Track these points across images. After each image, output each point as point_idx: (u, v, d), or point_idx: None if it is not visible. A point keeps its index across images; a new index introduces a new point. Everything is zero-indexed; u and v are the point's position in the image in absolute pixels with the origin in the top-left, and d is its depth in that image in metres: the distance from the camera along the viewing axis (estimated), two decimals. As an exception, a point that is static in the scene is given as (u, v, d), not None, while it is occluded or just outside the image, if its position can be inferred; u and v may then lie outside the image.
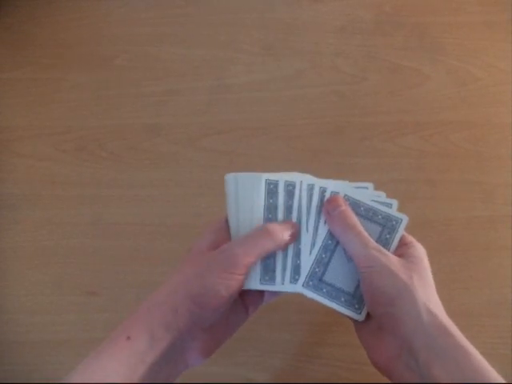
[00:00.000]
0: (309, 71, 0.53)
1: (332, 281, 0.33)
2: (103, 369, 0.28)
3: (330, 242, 0.33)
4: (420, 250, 0.33)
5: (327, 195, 0.33)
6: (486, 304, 0.47)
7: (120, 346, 0.28)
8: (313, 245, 0.33)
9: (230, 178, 0.34)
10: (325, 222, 0.33)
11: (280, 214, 0.33)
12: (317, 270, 0.33)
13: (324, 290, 0.33)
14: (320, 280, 0.33)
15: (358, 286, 0.33)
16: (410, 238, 0.34)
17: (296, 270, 0.33)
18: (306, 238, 0.33)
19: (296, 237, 0.33)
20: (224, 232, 0.34)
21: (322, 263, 0.33)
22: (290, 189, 0.33)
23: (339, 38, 0.53)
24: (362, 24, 0.53)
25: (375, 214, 0.33)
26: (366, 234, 0.32)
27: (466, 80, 0.52)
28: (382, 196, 0.34)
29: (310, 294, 0.33)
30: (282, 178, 0.33)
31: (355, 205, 0.33)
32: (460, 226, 0.49)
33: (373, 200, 0.34)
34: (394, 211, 0.33)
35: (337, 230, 0.32)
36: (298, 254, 0.33)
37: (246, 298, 0.35)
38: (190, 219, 0.50)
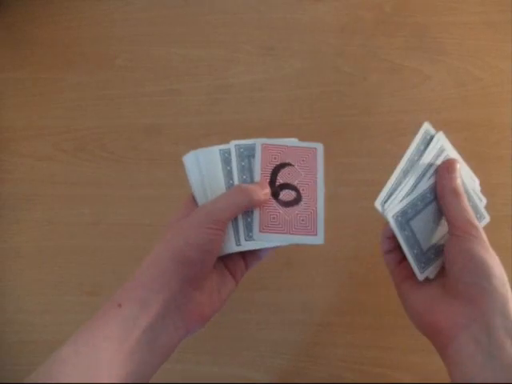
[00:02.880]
0: (309, 71, 0.53)
1: (415, 229, 0.34)
2: (95, 337, 0.27)
3: (428, 195, 0.34)
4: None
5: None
6: (486, 304, 0.47)
7: (111, 314, 0.28)
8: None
9: (190, 156, 0.37)
10: (429, 178, 0.35)
11: (236, 179, 0.35)
12: (409, 210, 0.34)
13: (406, 233, 0.34)
14: (407, 222, 0.34)
15: (431, 248, 0.34)
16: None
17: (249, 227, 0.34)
18: None
19: (268, 196, 0.35)
20: (195, 205, 0.36)
21: (415, 208, 0.34)
22: (242, 151, 0.36)
23: (339, 37, 0.53)
24: (362, 24, 0.53)
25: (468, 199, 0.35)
26: (466, 202, 0.33)
27: (466, 80, 0.52)
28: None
29: (394, 228, 0.33)
30: (232, 144, 0.36)
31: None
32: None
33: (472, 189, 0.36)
34: (482, 207, 0.36)
35: (447, 190, 0.33)
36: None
37: (229, 266, 0.35)
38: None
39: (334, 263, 0.49)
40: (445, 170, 0.34)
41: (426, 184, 0.34)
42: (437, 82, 0.52)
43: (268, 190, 0.35)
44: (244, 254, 0.36)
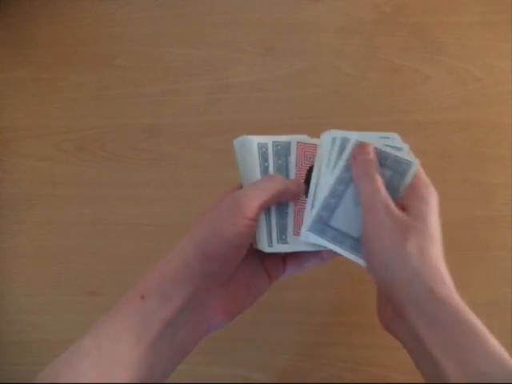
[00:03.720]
0: (309, 71, 0.53)
1: (338, 225, 0.32)
2: (116, 329, 0.27)
3: (338, 187, 0.33)
4: (427, 203, 0.30)
5: (348, 144, 0.33)
6: (486, 304, 0.47)
7: (133, 306, 0.28)
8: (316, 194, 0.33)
9: (237, 142, 0.35)
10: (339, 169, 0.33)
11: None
12: (323, 214, 0.33)
13: (329, 234, 0.32)
14: (326, 224, 0.32)
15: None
16: (422, 189, 0.31)
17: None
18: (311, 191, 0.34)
19: (300, 195, 0.33)
20: None
21: (329, 208, 0.33)
22: (279, 149, 0.34)
23: (339, 38, 0.53)
24: (362, 24, 0.53)
25: (385, 158, 0.33)
26: (381, 184, 0.30)
27: (466, 80, 0.52)
28: (395, 139, 0.34)
29: (314, 238, 0.32)
30: (270, 139, 0.34)
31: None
32: (460, 226, 0.49)
33: (385, 145, 0.33)
34: (404, 155, 0.33)
35: (356, 174, 0.32)
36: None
37: (266, 264, 0.34)
38: (190, 219, 0.50)
39: (334, 263, 0.49)
40: (352, 157, 0.32)
41: (332, 179, 0.33)
42: (437, 82, 0.52)
43: (302, 185, 0.33)
44: (285, 256, 0.35)
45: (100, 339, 0.27)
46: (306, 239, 0.33)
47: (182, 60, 0.54)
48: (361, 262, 0.32)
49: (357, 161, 0.32)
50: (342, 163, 0.33)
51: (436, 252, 0.28)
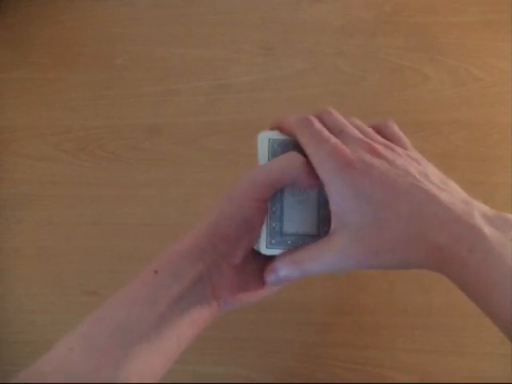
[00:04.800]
0: (309, 71, 0.53)
1: (293, 230, 0.32)
2: (129, 300, 0.28)
3: (274, 195, 0.32)
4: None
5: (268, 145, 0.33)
6: (486, 304, 0.47)
7: (147, 280, 0.29)
8: None
9: (260, 136, 0.34)
10: None
11: None
12: (274, 225, 0.32)
13: (289, 242, 0.32)
14: (281, 233, 0.32)
15: (318, 225, 0.32)
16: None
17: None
18: None
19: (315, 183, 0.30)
20: None
21: (275, 217, 0.32)
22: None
23: (339, 38, 0.53)
24: (362, 24, 0.53)
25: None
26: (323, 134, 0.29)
27: (465, 80, 0.52)
28: None
29: (278, 252, 0.31)
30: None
31: (284, 144, 0.33)
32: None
33: None
34: None
35: (303, 140, 0.30)
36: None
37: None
38: (190, 219, 0.50)
39: (333, 263, 0.49)
40: (295, 128, 0.31)
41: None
42: (437, 82, 0.52)
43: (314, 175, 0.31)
44: None
45: (113, 307, 0.28)
46: (269, 254, 0.32)
47: (182, 60, 0.55)
48: None
49: (299, 129, 0.30)
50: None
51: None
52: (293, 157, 0.30)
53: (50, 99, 0.55)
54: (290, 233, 0.32)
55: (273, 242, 0.32)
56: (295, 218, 0.32)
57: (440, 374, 0.47)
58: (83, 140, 0.54)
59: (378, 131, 0.32)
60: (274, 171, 0.30)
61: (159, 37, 0.55)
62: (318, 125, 0.30)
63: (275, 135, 0.34)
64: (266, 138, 0.33)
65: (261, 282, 0.32)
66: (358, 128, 0.31)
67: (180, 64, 0.54)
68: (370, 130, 0.32)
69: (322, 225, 0.32)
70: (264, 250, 0.32)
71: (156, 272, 0.29)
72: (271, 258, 0.32)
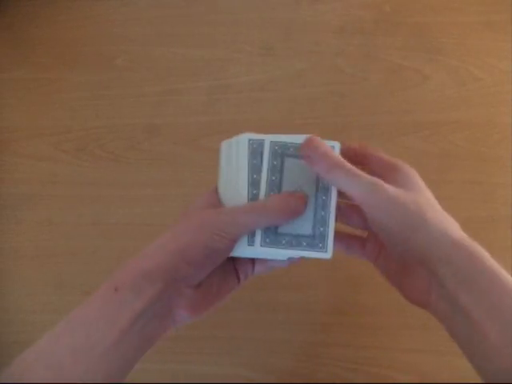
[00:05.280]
0: (309, 71, 0.53)
1: (288, 230, 0.32)
2: (89, 317, 0.28)
3: (271, 192, 0.32)
4: (411, 172, 0.31)
5: (266, 148, 0.33)
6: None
7: (107, 297, 0.29)
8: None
9: (224, 144, 0.35)
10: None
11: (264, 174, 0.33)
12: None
13: (283, 242, 0.32)
14: (276, 233, 0.32)
15: (314, 226, 0.32)
16: (393, 161, 0.32)
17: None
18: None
19: (299, 213, 0.31)
20: (217, 197, 0.35)
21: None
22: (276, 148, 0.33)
23: (339, 38, 0.53)
24: (362, 24, 0.53)
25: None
26: (355, 169, 0.29)
27: (465, 80, 0.52)
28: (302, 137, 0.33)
29: (272, 251, 0.32)
30: (267, 137, 0.33)
31: (284, 147, 0.33)
32: (460, 226, 0.49)
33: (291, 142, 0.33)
34: (324, 141, 0.32)
35: (323, 172, 0.30)
36: None
37: (236, 265, 0.35)
38: (190, 219, 0.50)
39: (334, 263, 0.49)
40: (306, 157, 0.31)
41: (263, 185, 0.32)
42: (437, 82, 0.52)
43: (301, 203, 0.32)
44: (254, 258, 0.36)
45: (73, 326, 0.28)
46: (266, 254, 0.33)
47: (182, 60, 0.55)
48: (325, 256, 0.32)
49: (314, 159, 0.30)
50: (266, 166, 0.32)
51: (438, 205, 0.30)
52: (264, 209, 0.31)
53: (50, 99, 0.55)
54: (285, 233, 0.32)
55: (267, 240, 0.32)
56: (304, 220, 0.32)
57: (439, 374, 0.47)
58: (83, 140, 0.54)
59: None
60: (249, 228, 0.31)
61: (159, 37, 0.55)
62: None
63: (253, 136, 0.34)
64: (245, 139, 0.33)
65: (219, 291, 0.33)
66: None
67: (180, 64, 0.54)
68: None
69: (318, 226, 0.32)
70: (258, 247, 0.32)
71: (116, 289, 0.29)
72: (230, 269, 0.34)
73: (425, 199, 0.29)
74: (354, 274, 0.49)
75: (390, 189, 0.29)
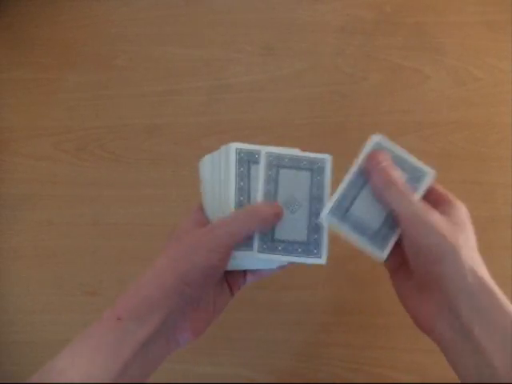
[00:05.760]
0: (309, 71, 0.53)
1: (359, 214, 0.33)
2: (92, 349, 0.28)
3: (359, 179, 0.33)
4: (463, 210, 0.32)
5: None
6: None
7: (109, 327, 0.29)
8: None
9: (206, 158, 0.36)
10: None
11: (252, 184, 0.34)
12: (343, 202, 0.33)
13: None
14: (346, 212, 0.33)
15: (384, 223, 0.33)
16: (450, 196, 0.33)
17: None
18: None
19: (280, 217, 0.33)
20: (204, 215, 0.35)
21: (349, 197, 0.33)
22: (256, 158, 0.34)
23: (339, 37, 0.53)
24: (362, 24, 0.53)
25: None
26: (409, 189, 0.31)
27: (465, 80, 0.52)
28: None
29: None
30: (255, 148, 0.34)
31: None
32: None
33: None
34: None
35: (379, 185, 0.32)
36: None
37: (228, 279, 0.35)
38: (190, 219, 0.50)
39: (334, 263, 0.49)
40: (368, 170, 0.33)
41: (351, 172, 0.34)
42: (437, 82, 0.52)
43: (279, 211, 0.33)
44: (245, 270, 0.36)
45: (75, 359, 0.27)
46: (261, 261, 0.34)
47: (182, 60, 0.55)
48: (379, 255, 0.32)
49: (373, 172, 0.32)
50: (262, 177, 0.33)
51: (476, 246, 0.31)
52: (250, 214, 0.32)
53: (50, 99, 0.55)
54: (281, 239, 0.33)
55: (264, 247, 0.33)
56: (287, 226, 0.33)
57: (440, 374, 0.47)
58: (83, 140, 0.54)
59: None
60: (240, 235, 0.31)
61: (159, 37, 0.55)
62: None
63: (241, 145, 0.34)
64: (232, 148, 0.34)
65: (215, 307, 0.34)
66: None
67: (180, 64, 0.54)
68: None
69: (313, 233, 0.34)
70: (256, 253, 0.33)
71: (119, 319, 0.29)
72: (222, 283, 0.34)
73: (464, 235, 0.30)
74: (354, 274, 0.49)
75: (436, 215, 0.30)
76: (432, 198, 0.34)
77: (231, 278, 0.35)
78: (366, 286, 0.49)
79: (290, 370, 0.48)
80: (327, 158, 0.35)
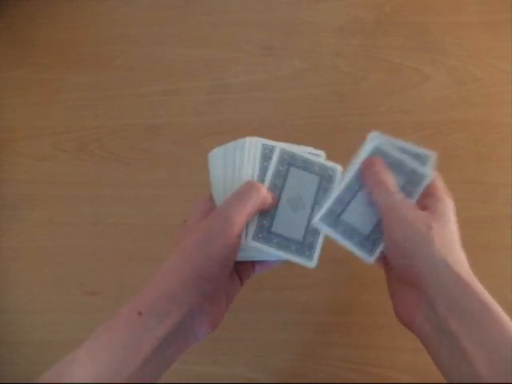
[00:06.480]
0: (309, 71, 0.53)
1: (350, 220, 0.34)
2: (113, 344, 0.28)
3: (353, 184, 0.34)
4: (449, 206, 0.33)
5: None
6: (486, 304, 0.47)
7: (130, 322, 0.29)
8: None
9: (217, 151, 0.35)
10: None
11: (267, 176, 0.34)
12: (336, 207, 0.34)
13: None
14: (338, 217, 0.34)
15: (374, 229, 0.34)
16: (440, 192, 0.34)
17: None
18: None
19: (273, 202, 0.33)
20: (213, 204, 0.35)
21: (342, 202, 0.34)
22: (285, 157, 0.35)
23: (339, 38, 0.53)
24: (362, 24, 0.53)
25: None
26: (394, 186, 0.32)
27: (466, 80, 0.52)
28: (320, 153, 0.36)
29: (325, 229, 0.34)
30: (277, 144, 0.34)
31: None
32: (460, 226, 0.48)
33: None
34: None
35: (369, 185, 0.33)
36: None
37: (238, 269, 0.36)
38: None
39: (333, 263, 0.49)
40: (364, 169, 0.34)
41: (348, 176, 0.35)
42: (437, 82, 0.52)
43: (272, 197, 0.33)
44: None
45: (96, 353, 0.28)
46: (255, 252, 0.34)
47: (182, 60, 0.55)
48: (368, 259, 0.34)
49: (367, 173, 0.34)
50: (272, 170, 0.34)
51: (457, 241, 0.32)
52: (258, 190, 0.31)
53: (50, 99, 0.55)
54: (278, 233, 0.33)
55: (259, 236, 0.33)
56: (286, 221, 0.34)
57: (440, 374, 0.47)
58: (83, 140, 0.54)
59: None
60: (246, 212, 0.31)
61: (159, 37, 0.55)
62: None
63: (266, 141, 0.35)
64: (258, 144, 0.34)
65: (228, 298, 0.34)
66: None
67: (180, 64, 0.54)
68: None
69: (309, 235, 0.34)
70: (250, 241, 0.33)
71: (140, 313, 0.29)
72: (233, 274, 0.35)
73: (441, 229, 0.31)
74: (354, 274, 0.49)
75: (413, 209, 0.31)
76: (426, 192, 0.34)
77: (241, 267, 0.36)
78: (365, 286, 0.49)
79: (290, 370, 0.48)
80: (338, 169, 0.35)
